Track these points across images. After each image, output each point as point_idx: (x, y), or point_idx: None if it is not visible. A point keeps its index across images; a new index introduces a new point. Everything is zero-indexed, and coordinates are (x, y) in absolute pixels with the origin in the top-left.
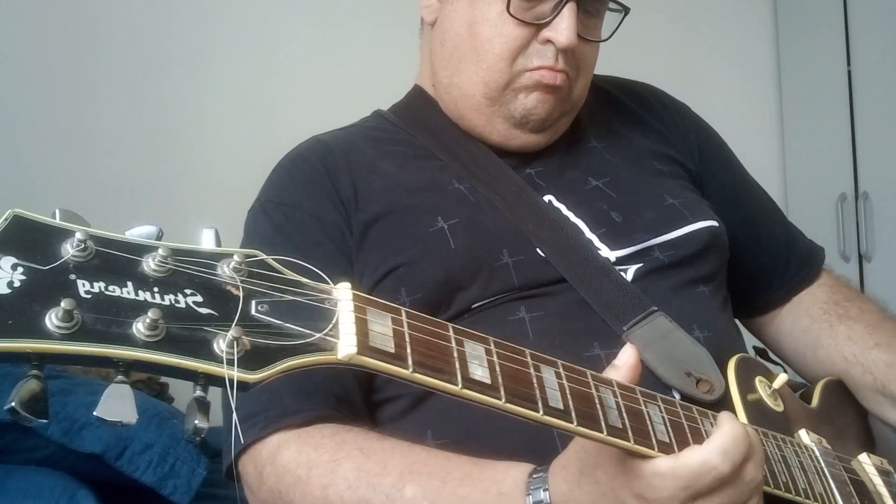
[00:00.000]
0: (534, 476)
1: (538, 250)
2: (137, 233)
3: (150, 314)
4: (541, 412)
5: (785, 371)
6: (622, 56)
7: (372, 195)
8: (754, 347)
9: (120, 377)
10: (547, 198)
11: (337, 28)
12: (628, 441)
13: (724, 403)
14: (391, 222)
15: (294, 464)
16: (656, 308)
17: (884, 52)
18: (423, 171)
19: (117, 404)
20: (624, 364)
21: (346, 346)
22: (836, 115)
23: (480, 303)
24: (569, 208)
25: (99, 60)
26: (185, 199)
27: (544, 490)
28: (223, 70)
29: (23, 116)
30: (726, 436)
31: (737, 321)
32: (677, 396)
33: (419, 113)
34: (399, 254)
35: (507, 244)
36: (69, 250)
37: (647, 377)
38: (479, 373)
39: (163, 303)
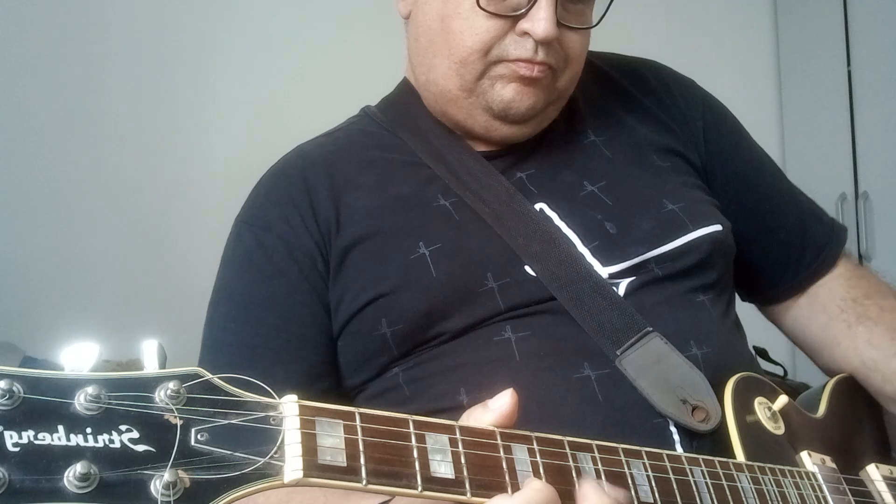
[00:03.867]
0: None
1: (526, 268)
2: (74, 356)
3: (79, 467)
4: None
5: (785, 372)
6: (618, 50)
7: (354, 216)
8: (754, 347)
9: None
10: (539, 206)
11: (337, 29)
12: None
13: (721, 432)
14: (372, 247)
15: None
16: (651, 329)
17: (884, 52)
18: (409, 182)
19: None
20: (496, 409)
21: (291, 471)
22: (836, 115)
23: (465, 328)
24: (561, 218)
25: (101, 62)
26: (188, 201)
27: None
28: (226, 73)
29: (25, 118)
30: (539, 493)
31: (744, 318)
32: (671, 424)
33: (407, 111)
34: (379, 283)
35: (491, 267)
36: None
37: (641, 405)
38: (442, 469)
39: (96, 445)
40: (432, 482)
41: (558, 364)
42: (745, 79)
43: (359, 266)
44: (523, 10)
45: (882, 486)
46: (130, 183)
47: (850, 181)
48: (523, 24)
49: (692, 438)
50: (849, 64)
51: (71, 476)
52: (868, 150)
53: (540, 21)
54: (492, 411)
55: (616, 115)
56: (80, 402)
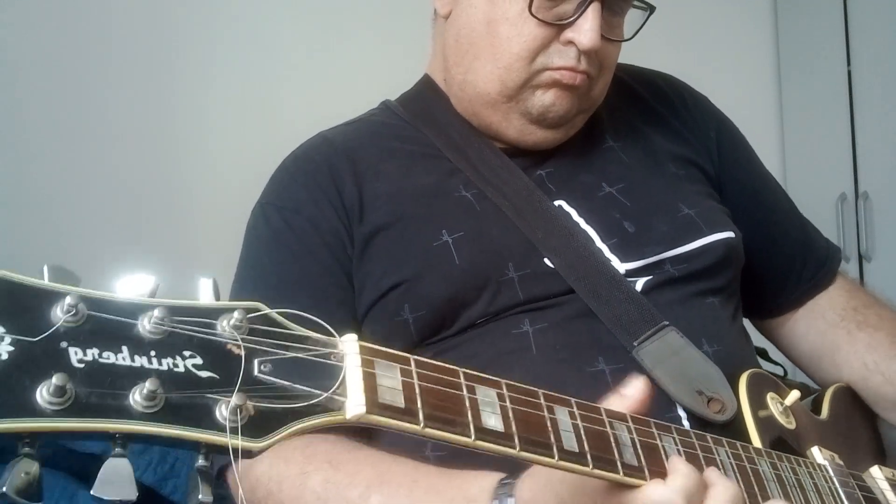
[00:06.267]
0: (503, 482)
1: (546, 260)
2: (131, 285)
3: (147, 384)
4: (556, 458)
5: (785, 372)
6: (621, 55)
7: (376, 202)
8: (754, 348)
9: (118, 450)
10: (557, 203)
11: (340, 26)
12: (644, 479)
13: (736, 424)
14: (395, 234)
15: (266, 477)
16: (668, 323)
17: (884, 52)
18: (430, 173)
19: (116, 481)
20: (631, 396)
21: (354, 406)
22: (836, 115)
23: (485, 318)
24: (580, 215)
25: (100, 62)
26: (189, 201)
27: (509, 496)
28: (227, 70)
29: (24, 117)
30: (688, 479)
31: (746, 322)
32: (684, 416)
33: (428, 106)
34: (402, 269)
35: (512, 257)
36: (60, 316)
37: (658, 395)
38: (493, 421)
39: (160, 367)
40: (484, 433)
41: (573, 357)
42: (745, 79)
43: (381, 252)
44: (570, 20)
45: (885, 486)
46: (129, 180)
47: (850, 181)
48: (568, 34)
49: (705, 430)
50: (849, 64)
51: (137, 395)
52: (868, 150)
53: (587, 32)
54: (624, 399)
55: (634, 124)
56: (145, 325)
